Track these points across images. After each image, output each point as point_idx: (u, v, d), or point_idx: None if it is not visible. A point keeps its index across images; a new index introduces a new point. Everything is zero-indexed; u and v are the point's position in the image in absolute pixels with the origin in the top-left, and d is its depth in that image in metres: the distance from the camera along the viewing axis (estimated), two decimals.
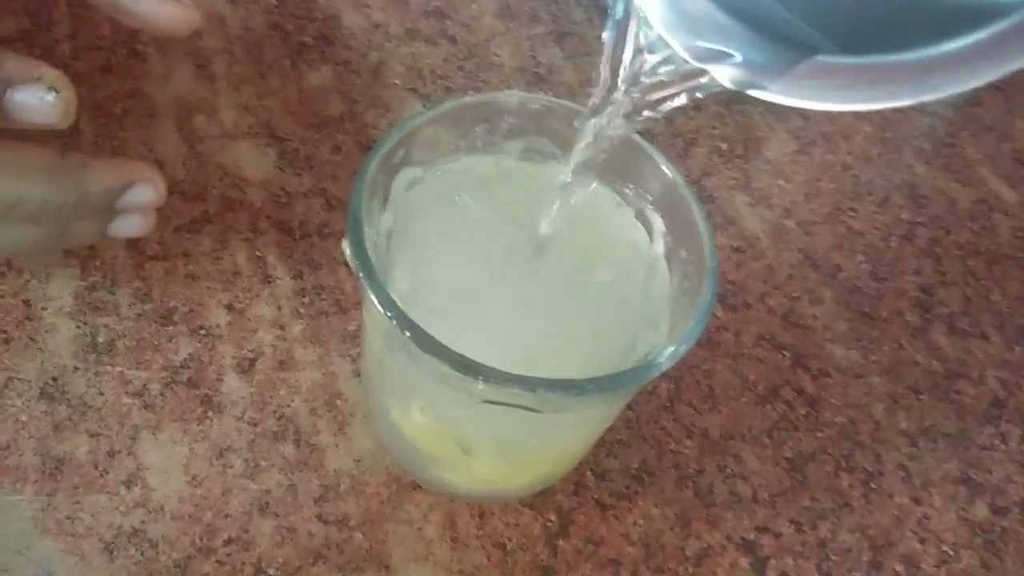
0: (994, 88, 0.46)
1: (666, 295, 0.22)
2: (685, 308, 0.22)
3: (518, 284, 0.22)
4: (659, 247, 0.23)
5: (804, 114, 0.42)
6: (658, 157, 0.23)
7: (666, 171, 0.23)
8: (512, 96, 0.23)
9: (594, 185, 0.23)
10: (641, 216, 0.23)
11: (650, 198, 0.23)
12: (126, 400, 0.27)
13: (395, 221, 0.22)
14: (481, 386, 0.18)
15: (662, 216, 0.23)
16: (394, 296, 0.19)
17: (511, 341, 0.21)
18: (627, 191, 0.24)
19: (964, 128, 0.43)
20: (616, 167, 0.23)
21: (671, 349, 0.20)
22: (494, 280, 0.22)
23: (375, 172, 0.21)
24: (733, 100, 0.41)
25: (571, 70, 0.41)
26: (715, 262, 0.21)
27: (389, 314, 0.19)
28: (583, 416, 0.23)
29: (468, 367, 0.18)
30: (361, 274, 0.19)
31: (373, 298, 0.19)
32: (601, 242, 0.23)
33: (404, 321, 0.19)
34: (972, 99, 0.45)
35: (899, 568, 0.29)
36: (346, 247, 0.20)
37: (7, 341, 0.28)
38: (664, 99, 0.19)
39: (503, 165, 0.24)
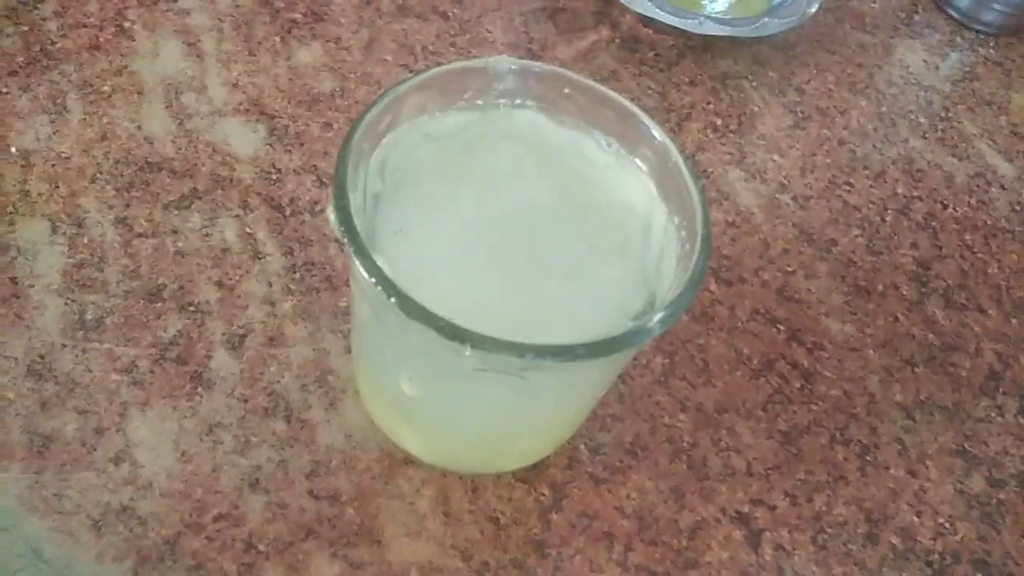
0: (992, 62, 0.45)
1: (660, 262, 0.22)
2: (679, 275, 0.21)
3: (510, 249, 0.21)
4: (653, 213, 0.23)
5: (800, 88, 0.41)
6: (650, 123, 0.23)
7: (657, 137, 0.23)
8: (501, 62, 0.23)
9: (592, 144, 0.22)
10: (638, 181, 0.23)
11: (644, 165, 0.23)
12: (114, 377, 0.27)
13: (383, 185, 0.22)
14: (470, 353, 0.18)
15: (655, 183, 0.23)
16: (380, 262, 0.19)
17: (502, 307, 0.20)
18: (625, 153, 0.23)
19: (961, 102, 0.43)
20: (616, 129, 0.23)
21: (662, 315, 0.19)
22: (486, 244, 0.21)
23: (360, 139, 0.21)
24: (728, 75, 0.41)
25: (564, 46, 0.40)
26: (707, 228, 0.21)
27: (375, 280, 0.19)
28: (574, 385, 0.22)
29: (456, 333, 0.18)
30: (346, 241, 0.19)
31: (358, 265, 0.19)
32: (597, 206, 0.23)
33: (390, 287, 0.18)
34: (969, 73, 0.45)
35: (895, 541, 0.29)
36: (330, 213, 0.20)
37: None
38: None
39: (495, 127, 0.23)
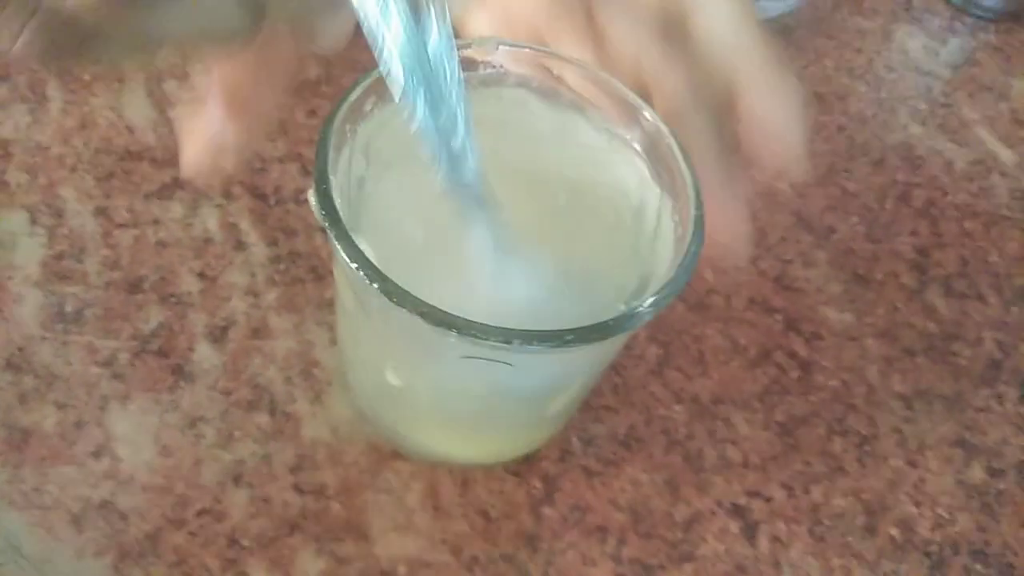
0: (992, 48, 0.45)
1: (655, 245, 0.21)
2: (674, 259, 0.21)
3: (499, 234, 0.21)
4: (646, 195, 0.22)
5: (797, 73, 0.41)
6: (641, 104, 0.22)
7: (649, 118, 0.22)
8: (488, 42, 0.22)
9: (584, 126, 0.22)
10: (630, 163, 0.22)
11: (637, 146, 0.22)
12: (94, 370, 0.26)
13: (367, 168, 0.21)
14: (455, 339, 0.17)
15: (648, 165, 0.22)
16: (363, 246, 0.18)
17: (490, 293, 0.20)
18: (617, 135, 0.23)
19: (960, 88, 0.42)
20: (606, 111, 0.22)
21: (654, 298, 0.19)
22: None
23: (343, 121, 0.20)
24: None
25: None
26: (701, 210, 0.20)
27: (356, 265, 0.18)
28: (565, 372, 0.22)
29: (441, 319, 0.17)
30: (327, 224, 0.18)
31: (340, 249, 0.18)
32: (588, 188, 0.22)
33: (373, 272, 0.18)
34: (969, 59, 0.44)
35: (894, 532, 0.28)
36: (311, 196, 0.19)
37: None
38: None
39: (483, 107, 0.22)
